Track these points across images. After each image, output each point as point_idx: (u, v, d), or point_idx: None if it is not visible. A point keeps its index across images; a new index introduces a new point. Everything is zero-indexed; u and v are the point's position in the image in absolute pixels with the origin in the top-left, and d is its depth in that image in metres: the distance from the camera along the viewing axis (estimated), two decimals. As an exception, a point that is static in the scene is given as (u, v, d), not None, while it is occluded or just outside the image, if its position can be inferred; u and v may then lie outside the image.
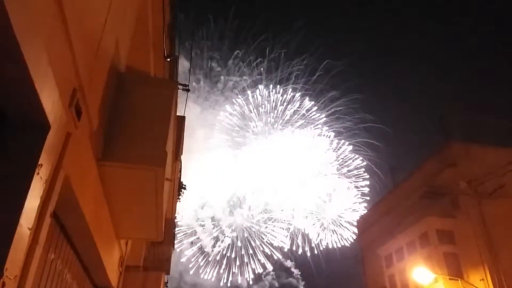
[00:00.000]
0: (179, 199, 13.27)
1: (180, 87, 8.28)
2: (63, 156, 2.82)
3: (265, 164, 55.43)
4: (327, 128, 55.47)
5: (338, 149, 54.62)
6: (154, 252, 10.34)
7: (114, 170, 3.98)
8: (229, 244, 55.37)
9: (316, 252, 54.99)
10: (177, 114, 8.18)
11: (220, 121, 56.43)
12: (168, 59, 7.23)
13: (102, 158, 3.88)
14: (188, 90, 9.03)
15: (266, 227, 56.09)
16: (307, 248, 55.39)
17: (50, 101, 2.44)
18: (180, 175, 12.53)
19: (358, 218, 28.68)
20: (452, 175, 16.03)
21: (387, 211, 20.32)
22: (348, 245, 51.86)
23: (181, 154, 10.91)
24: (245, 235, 56.07)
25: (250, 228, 56.16)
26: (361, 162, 53.66)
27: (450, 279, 14.52)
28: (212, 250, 54.57)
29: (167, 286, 13.97)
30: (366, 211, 31.54)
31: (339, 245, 53.40)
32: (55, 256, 3.54)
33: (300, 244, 55.40)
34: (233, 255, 55.10)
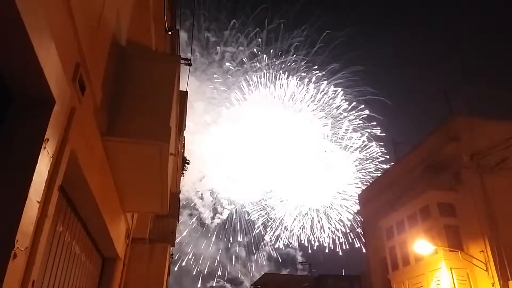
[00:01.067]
0: (183, 173, 13.40)
1: (182, 61, 8.22)
2: (68, 131, 2.85)
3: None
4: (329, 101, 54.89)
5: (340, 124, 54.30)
6: (160, 225, 10.54)
7: (119, 145, 4.02)
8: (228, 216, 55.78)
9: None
10: (179, 89, 8.16)
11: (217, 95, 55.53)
12: (170, 33, 7.15)
13: (107, 133, 3.91)
14: (190, 65, 8.98)
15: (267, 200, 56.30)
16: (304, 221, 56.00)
17: (54, 76, 2.45)
18: (184, 150, 12.61)
19: (360, 192, 28.92)
20: (455, 149, 16.05)
21: (389, 184, 20.47)
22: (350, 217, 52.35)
23: (184, 129, 10.94)
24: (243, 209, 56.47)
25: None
26: (361, 136, 53.51)
27: (450, 250, 14.76)
28: (212, 222, 55.21)
29: (172, 257, 14.29)
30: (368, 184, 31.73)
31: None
32: (64, 229, 3.63)
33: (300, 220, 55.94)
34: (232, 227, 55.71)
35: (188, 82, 10.41)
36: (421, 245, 14.83)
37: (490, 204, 14.75)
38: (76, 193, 3.65)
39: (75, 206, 3.89)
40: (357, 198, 27.33)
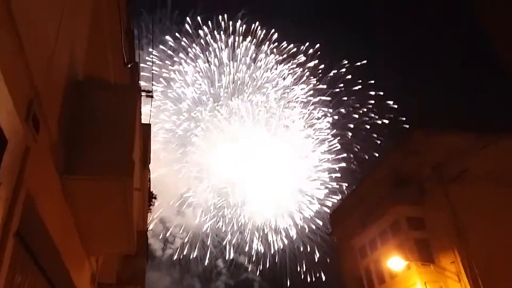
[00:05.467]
0: (150, 209, 12.97)
1: (143, 93, 8.10)
2: (23, 173, 2.65)
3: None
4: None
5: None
6: (128, 265, 10.04)
7: (78, 183, 3.80)
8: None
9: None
10: (142, 121, 7.99)
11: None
12: (129, 65, 7.04)
13: (65, 171, 3.69)
14: (151, 97, 8.85)
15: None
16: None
17: (5, 115, 2.29)
18: (150, 184, 12.26)
19: (330, 212, 29.09)
20: (416, 162, 16.58)
21: (358, 202, 20.75)
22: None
23: (149, 163, 10.67)
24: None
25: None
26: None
27: (422, 264, 14.99)
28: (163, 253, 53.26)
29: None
30: (337, 203, 32.02)
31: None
32: (22, 279, 3.33)
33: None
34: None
35: (150, 114, 10.24)
36: (394, 262, 14.98)
37: (456, 215, 15.20)
38: (34, 238, 3.39)
39: (34, 253, 3.60)
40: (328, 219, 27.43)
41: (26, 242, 3.39)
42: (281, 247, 53.23)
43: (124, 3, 6.59)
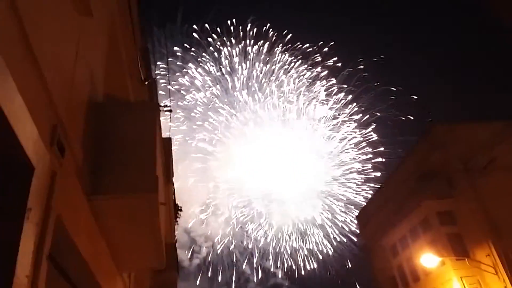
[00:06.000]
0: (177, 221, 13.10)
1: (161, 108, 8.22)
2: (51, 197, 2.73)
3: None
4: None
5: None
6: (159, 278, 10.15)
7: (106, 203, 3.89)
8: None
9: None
10: (163, 135, 8.11)
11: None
12: (146, 83, 7.17)
13: (92, 192, 3.78)
14: (170, 111, 8.97)
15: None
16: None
17: (31, 142, 2.37)
18: (174, 197, 12.39)
19: (358, 212, 28.71)
20: (443, 156, 16.21)
21: (385, 200, 20.40)
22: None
23: (173, 176, 10.80)
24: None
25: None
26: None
27: (457, 259, 14.58)
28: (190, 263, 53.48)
29: None
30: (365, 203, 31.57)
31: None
32: (58, 300, 3.42)
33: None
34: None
35: (170, 128, 10.39)
36: (428, 259, 14.63)
37: (487, 206, 14.76)
38: (66, 260, 3.47)
39: (67, 274, 3.69)
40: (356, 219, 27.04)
41: (59, 263, 3.48)
42: (312, 252, 52.89)
43: (137, 21, 6.73)
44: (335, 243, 53.88)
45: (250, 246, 56.05)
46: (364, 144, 53.23)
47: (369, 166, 52.33)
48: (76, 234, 3.28)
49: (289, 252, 55.32)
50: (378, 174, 50.81)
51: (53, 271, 3.32)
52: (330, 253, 54.13)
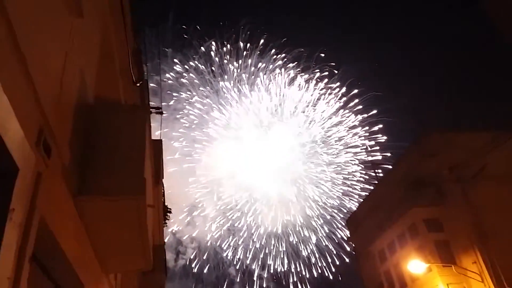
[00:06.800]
0: (166, 223, 13.05)
1: (152, 110, 8.20)
2: (36, 198, 2.72)
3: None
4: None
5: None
6: (147, 280, 10.09)
7: (92, 204, 3.87)
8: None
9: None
10: (154, 137, 8.09)
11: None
12: (138, 84, 7.16)
13: (78, 193, 3.76)
14: (161, 113, 8.95)
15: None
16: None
17: (15, 143, 2.36)
18: (164, 199, 12.34)
19: (347, 218, 28.81)
20: (434, 164, 16.35)
21: (374, 206, 20.51)
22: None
23: (162, 178, 10.76)
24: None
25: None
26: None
27: (443, 266, 14.70)
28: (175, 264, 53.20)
29: None
30: (355, 209, 31.69)
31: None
32: (41, 302, 3.39)
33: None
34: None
35: (161, 129, 10.36)
36: (415, 265, 14.74)
37: (476, 214, 14.92)
38: (51, 261, 3.45)
39: (52, 275, 3.67)
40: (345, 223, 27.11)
41: (43, 264, 3.46)
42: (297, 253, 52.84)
43: (129, 22, 6.72)
44: (325, 246, 54.03)
45: (236, 248, 55.99)
46: (355, 144, 53.42)
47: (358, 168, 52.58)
48: (61, 235, 3.26)
49: (275, 254, 55.33)
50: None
51: (37, 272, 3.30)
52: (317, 255, 54.19)
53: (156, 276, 9.96)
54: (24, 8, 2.56)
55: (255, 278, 56.81)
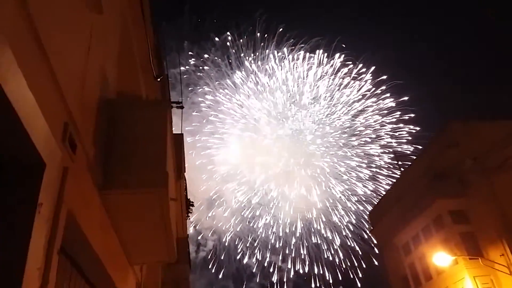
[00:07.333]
0: (188, 216, 13.22)
1: (173, 105, 8.28)
2: (63, 192, 2.79)
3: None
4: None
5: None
6: (171, 272, 10.27)
7: (117, 197, 3.95)
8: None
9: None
10: (175, 131, 8.18)
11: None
12: (158, 79, 7.23)
13: (104, 187, 3.85)
14: (182, 108, 9.03)
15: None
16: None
17: (42, 139, 2.42)
18: (186, 192, 12.49)
19: (369, 211, 28.51)
20: (456, 154, 15.97)
21: (397, 198, 20.20)
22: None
23: (184, 172, 10.88)
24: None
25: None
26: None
27: (470, 258, 14.39)
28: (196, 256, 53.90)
29: None
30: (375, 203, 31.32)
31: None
32: (70, 292, 3.50)
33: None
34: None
35: (182, 124, 10.47)
36: (440, 257, 14.47)
37: (502, 205, 14.52)
38: (78, 253, 3.55)
39: (80, 266, 3.77)
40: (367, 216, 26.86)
41: (72, 257, 3.56)
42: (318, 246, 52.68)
43: (149, 17, 6.78)
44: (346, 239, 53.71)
45: (256, 240, 56.29)
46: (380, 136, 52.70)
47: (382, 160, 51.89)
48: (87, 228, 3.35)
49: (296, 248, 55.36)
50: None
51: (65, 263, 3.40)
52: (337, 247, 53.90)
53: (181, 268, 10.13)
54: (45, 6, 2.61)
55: (275, 270, 57.04)
